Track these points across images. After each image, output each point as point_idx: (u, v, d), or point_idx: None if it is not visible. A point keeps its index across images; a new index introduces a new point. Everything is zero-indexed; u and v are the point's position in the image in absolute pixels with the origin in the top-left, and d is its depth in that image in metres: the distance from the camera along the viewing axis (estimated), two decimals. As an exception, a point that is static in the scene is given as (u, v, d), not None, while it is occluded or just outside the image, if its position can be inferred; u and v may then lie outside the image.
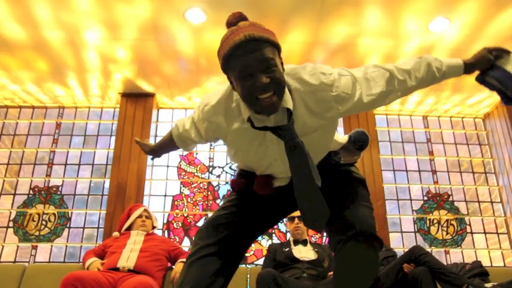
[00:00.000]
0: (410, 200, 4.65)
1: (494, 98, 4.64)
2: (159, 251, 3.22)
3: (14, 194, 4.46)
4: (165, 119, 4.86)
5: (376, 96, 1.47)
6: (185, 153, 4.71)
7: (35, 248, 4.25)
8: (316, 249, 3.35)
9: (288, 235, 4.17)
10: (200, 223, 4.43)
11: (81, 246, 4.27)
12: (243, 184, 1.67)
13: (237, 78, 1.33)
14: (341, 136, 1.80)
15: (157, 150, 2.08)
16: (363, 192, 1.61)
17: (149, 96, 4.60)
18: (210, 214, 4.46)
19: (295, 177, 1.42)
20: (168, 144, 1.95)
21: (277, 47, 1.38)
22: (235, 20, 1.49)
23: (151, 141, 4.53)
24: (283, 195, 1.61)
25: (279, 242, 4.17)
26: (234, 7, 3.36)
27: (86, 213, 4.40)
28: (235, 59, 1.33)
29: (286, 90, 1.38)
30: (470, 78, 4.41)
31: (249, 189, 1.63)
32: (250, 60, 1.29)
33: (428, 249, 4.16)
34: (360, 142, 1.81)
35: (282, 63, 1.38)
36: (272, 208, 1.69)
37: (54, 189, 4.49)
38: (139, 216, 3.49)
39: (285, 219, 4.04)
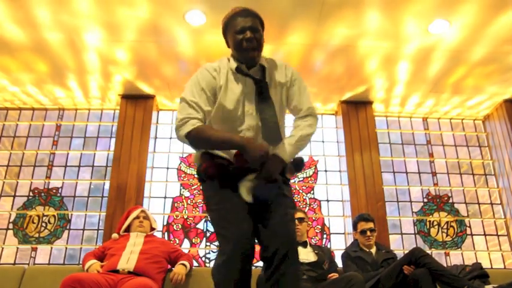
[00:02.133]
0: (410, 201, 4.64)
1: (494, 99, 4.65)
2: (158, 253, 3.22)
3: (14, 196, 4.46)
4: (165, 121, 4.86)
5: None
6: (185, 155, 4.71)
7: (34, 249, 4.25)
8: (316, 251, 3.34)
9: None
10: (200, 225, 4.43)
11: (81, 248, 4.27)
12: (220, 165, 1.88)
13: (234, 32, 1.95)
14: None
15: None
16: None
17: (149, 98, 4.60)
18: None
19: (262, 111, 1.91)
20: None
21: (262, 25, 2.02)
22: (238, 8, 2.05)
23: (151, 143, 4.54)
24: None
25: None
26: (234, 9, 3.37)
27: (85, 215, 4.40)
28: (235, 20, 1.96)
29: (264, 59, 2.03)
30: (470, 80, 4.45)
31: (225, 172, 1.88)
32: (245, 22, 1.94)
33: (429, 251, 4.15)
34: (297, 163, 2.07)
35: (263, 33, 2.02)
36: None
37: (54, 191, 4.49)
38: (137, 217, 3.49)
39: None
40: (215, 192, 1.89)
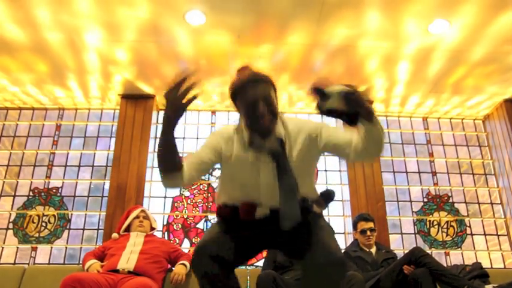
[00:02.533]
0: (410, 201, 4.65)
1: (494, 99, 4.65)
2: (159, 253, 3.22)
3: (14, 196, 4.46)
4: (165, 121, 4.85)
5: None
6: (185, 154, 4.71)
7: (34, 249, 4.25)
8: (316, 251, 3.34)
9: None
10: (200, 225, 4.44)
11: (81, 247, 4.27)
12: (229, 211, 1.86)
13: (245, 104, 1.76)
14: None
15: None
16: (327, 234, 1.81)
17: (149, 97, 4.60)
18: (210, 216, 4.47)
19: (281, 185, 1.74)
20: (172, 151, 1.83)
21: (273, 86, 1.82)
22: (243, 68, 1.89)
23: (151, 143, 4.54)
24: (263, 230, 1.82)
25: (279, 243, 4.17)
26: (234, 9, 3.38)
27: (85, 214, 4.40)
28: (244, 91, 1.77)
29: (280, 124, 1.82)
30: (470, 80, 4.45)
31: (234, 218, 1.84)
32: (254, 92, 1.74)
33: (429, 251, 4.15)
34: (327, 196, 2.00)
35: (276, 98, 1.83)
36: (253, 241, 1.85)
37: (54, 190, 4.49)
38: (137, 217, 3.49)
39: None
40: (218, 227, 1.88)
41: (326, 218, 4.50)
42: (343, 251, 3.61)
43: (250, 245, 1.85)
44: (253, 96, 1.74)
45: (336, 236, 4.44)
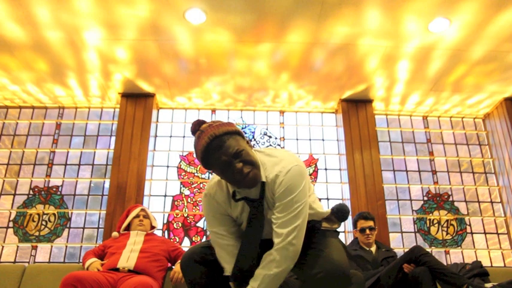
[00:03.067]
0: (410, 200, 4.65)
1: (494, 98, 4.65)
2: (159, 252, 3.22)
3: (14, 194, 4.46)
4: (165, 119, 4.86)
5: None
6: (185, 153, 4.71)
7: (35, 248, 4.25)
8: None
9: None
10: (200, 223, 4.44)
11: (81, 246, 4.27)
12: None
13: (218, 171, 1.66)
14: (325, 209, 1.93)
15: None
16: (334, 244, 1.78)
17: (149, 96, 4.60)
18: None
19: (247, 236, 1.73)
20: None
21: (238, 133, 1.69)
22: (196, 127, 1.71)
23: (151, 142, 4.54)
24: None
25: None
26: (234, 8, 3.38)
27: (85, 213, 4.40)
28: (209, 158, 1.64)
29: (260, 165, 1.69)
30: (471, 78, 4.45)
31: None
32: (220, 155, 1.61)
33: (429, 250, 4.16)
34: (341, 213, 1.94)
35: (247, 142, 1.71)
36: None
37: (54, 189, 4.49)
38: (137, 216, 3.49)
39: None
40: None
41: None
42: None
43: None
44: (222, 160, 1.61)
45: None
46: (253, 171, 1.63)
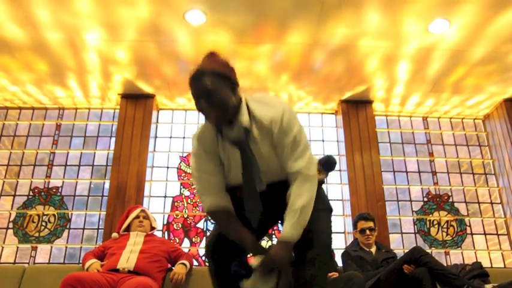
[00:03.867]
0: (410, 201, 4.65)
1: (494, 99, 4.65)
2: (158, 252, 3.22)
3: (14, 195, 4.46)
4: (165, 120, 4.86)
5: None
6: (185, 154, 4.71)
7: (34, 249, 4.25)
8: (316, 251, 3.33)
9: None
10: (200, 224, 4.44)
11: (81, 247, 4.27)
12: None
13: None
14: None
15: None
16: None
17: (149, 97, 4.60)
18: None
19: (244, 177, 1.75)
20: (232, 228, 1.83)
21: (222, 76, 1.68)
22: (206, 56, 1.78)
23: (151, 142, 4.54)
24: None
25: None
26: (233, 9, 3.38)
27: (85, 214, 4.40)
28: (190, 89, 1.68)
29: (245, 111, 1.71)
30: (470, 79, 4.44)
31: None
32: (194, 90, 1.66)
33: (429, 250, 4.15)
34: (328, 164, 2.00)
35: (233, 87, 1.70)
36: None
37: (54, 190, 4.49)
38: (137, 217, 3.49)
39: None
40: None
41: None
42: (343, 250, 3.63)
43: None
44: (195, 93, 1.66)
45: (336, 235, 4.45)
46: (217, 113, 1.64)
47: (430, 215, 4.59)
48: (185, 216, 4.46)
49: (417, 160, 4.83)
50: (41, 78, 4.22)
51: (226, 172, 1.83)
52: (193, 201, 4.53)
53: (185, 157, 4.71)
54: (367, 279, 3.15)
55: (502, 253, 4.49)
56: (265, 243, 4.34)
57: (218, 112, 1.64)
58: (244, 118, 1.70)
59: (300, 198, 1.69)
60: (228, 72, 1.72)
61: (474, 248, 4.51)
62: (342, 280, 2.94)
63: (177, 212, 4.47)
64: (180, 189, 4.58)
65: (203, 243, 4.36)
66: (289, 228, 1.69)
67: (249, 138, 1.71)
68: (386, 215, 4.34)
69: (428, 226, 4.55)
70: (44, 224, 4.34)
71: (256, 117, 1.71)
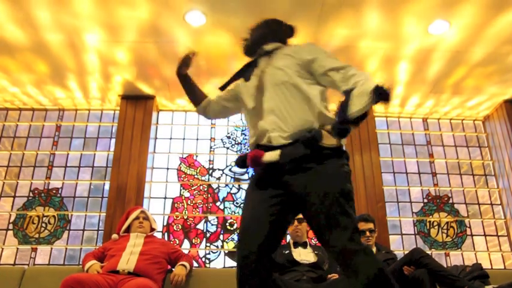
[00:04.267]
0: (410, 202, 4.64)
1: (494, 100, 4.65)
2: (159, 254, 3.22)
3: (14, 196, 4.46)
4: (165, 121, 4.86)
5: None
6: (185, 155, 4.71)
7: (34, 250, 4.25)
8: (316, 252, 3.34)
9: (288, 237, 4.17)
10: (200, 225, 4.43)
11: (81, 248, 4.27)
12: (240, 161, 1.85)
13: None
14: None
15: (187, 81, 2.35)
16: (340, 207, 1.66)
17: (149, 98, 4.60)
18: (210, 216, 4.47)
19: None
20: (193, 91, 2.32)
21: (265, 24, 2.21)
22: None
23: (151, 143, 4.54)
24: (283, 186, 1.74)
25: (279, 244, 4.17)
26: (234, 10, 3.38)
27: (85, 215, 4.40)
28: None
29: (273, 45, 2.08)
30: (470, 81, 4.45)
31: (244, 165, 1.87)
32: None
33: (429, 252, 4.15)
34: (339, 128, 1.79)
35: (274, 31, 2.19)
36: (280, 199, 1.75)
37: (54, 191, 4.49)
38: (137, 218, 3.49)
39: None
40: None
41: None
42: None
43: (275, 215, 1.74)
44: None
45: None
46: (247, 47, 2.21)
47: (430, 216, 4.59)
48: (185, 217, 4.46)
49: (417, 161, 4.83)
50: (41, 79, 4.22)
51: (246, 116, 2.03)
52: (193, 202, 4.53)
53: (185, 158, 4.71)
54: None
55: (502, 254, 4.48)
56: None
57: (245, 43, 2.20)
58: (269, 47, 2.07)
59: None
60: (269, 23, 2.22)
61: (474, 249, 4.51)
62: (342, 281, 2.93)
63: (177, 213, 4.47)
64: (180, 190, 4.58)
65: (203, 245, 4.36)
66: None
67: (268, 56, 2.03)
68: (386, 216, 4.34)
69: (428, 227, 4.55)
70: (44, 225, 4.34)
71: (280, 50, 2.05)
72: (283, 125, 1.76)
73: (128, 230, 3.49)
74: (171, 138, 4.80)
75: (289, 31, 2.24)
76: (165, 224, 4.42)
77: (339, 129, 1.72)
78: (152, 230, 3.55)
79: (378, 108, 4.79)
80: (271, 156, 1.71)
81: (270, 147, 1.76)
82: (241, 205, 4.47)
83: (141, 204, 4.12)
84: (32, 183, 4.52)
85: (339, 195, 1.65)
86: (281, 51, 2.02)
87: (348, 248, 1.58)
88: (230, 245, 4.37)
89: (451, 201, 4.69)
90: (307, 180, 1.68)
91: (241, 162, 1.84)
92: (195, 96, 2.27)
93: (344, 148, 1.79)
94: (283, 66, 1.88)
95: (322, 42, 3.75)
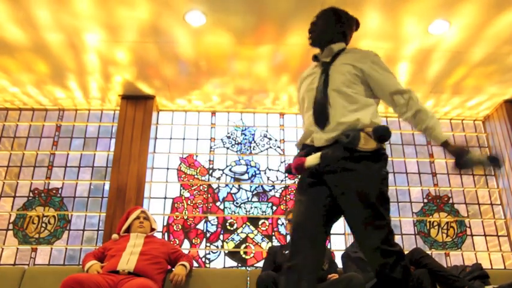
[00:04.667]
0: (410, 202, 4.64)
1: (494, 100, 4.65)
2: (159, 254, 3.21)
3: (14, 197, 4.46)
4: (165, 121, 4.86)
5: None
6: (185, 155, 4.71)
7: (34, 250, 4.25)
8: (316, 252, 3.33)
9: (288, 237, 4.17)
10: (200, 225, 4.43)
11: (81, 248, 4.27)
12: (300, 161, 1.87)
13: None
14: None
15: None
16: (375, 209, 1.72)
17: (149, 98, 4.60)
18: (210, 216, 4.47)
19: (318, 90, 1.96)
20: None
21: (330, 15, 2.23)
22: None
23: (151, 143, 4.54)
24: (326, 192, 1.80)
25: (279, 244, 4.17)
26: (234, 10, 3.38)
27: (85, 215, 4.40)
28: None
29: (339, 44, 2.13)
30: (470, 81, 4.44)
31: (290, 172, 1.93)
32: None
33: (429, 252, 4.15)
34: (381, 132, 1.84)
35: (337, 21, 2.20)
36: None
37: (54, 191, 4.49)
38: (137, 217, 3.49)
39: (285, 222, 4.03)
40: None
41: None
42: (343, 252, 3.62)
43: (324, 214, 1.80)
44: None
45: (336, 236, 4.44)
46: (313, 34, 2.22)
47: (430, 216, 4.59)
48: (185, 217, 4.46)
49: (417, 161, 4.83)
50: (41, 79, 4.22)
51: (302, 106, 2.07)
52: (193, 202, 4.53)
53: (185, 158, 4.71)
54: (367, 281, 3.14)
55: (502, 254, 4.48)
56: (265, 244, 4.34)
57: (310, 35, 2.21)
58: (335, 47, 2.08)
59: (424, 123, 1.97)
60: (335, 11, 2.21)
61: (474, 249, 4.51)
62: (342, 281, 2.94)
63: (177, 213, 4.47)
64: (180, 190, 4.58)
65: (203, 245, 4.36)
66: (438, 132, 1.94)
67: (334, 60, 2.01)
68: (387, 216, 4.32)
69: (428, 227, 4.55)
70: (44, 225, 4.34)
71: (344, 54, 2.06)
72: (326, 127, 1.85)
73: (128, 230, 3.49)
74: (171, 138, 4.80)
75: (353, 23, 2.30)
76: (165, 224, 4.42)
77: (380, 134, 1.80)
78: (152, 230, 3.55)
79: (378, 108, 4.78)
80: (312, 160, 1.81)
81: (312, 148, 1.88)
82: (241, 205, 4.49)
83: (141, 205, 4.12)
84: (32, 183, 4.52)
85: (375, 197, 1.70)
86: (343, 57, 2.05)
87: (381, 249, 1.64)
88: (230, 245, 4.37)
89: (451, 201, 4.69)
90: (344, 181, 1.74)
91: (289, 170, 1.92)
92: None
93: (383, 151, 1.84)
94: (340, 73, 1.94)
95: (322, 42, 3.74)
